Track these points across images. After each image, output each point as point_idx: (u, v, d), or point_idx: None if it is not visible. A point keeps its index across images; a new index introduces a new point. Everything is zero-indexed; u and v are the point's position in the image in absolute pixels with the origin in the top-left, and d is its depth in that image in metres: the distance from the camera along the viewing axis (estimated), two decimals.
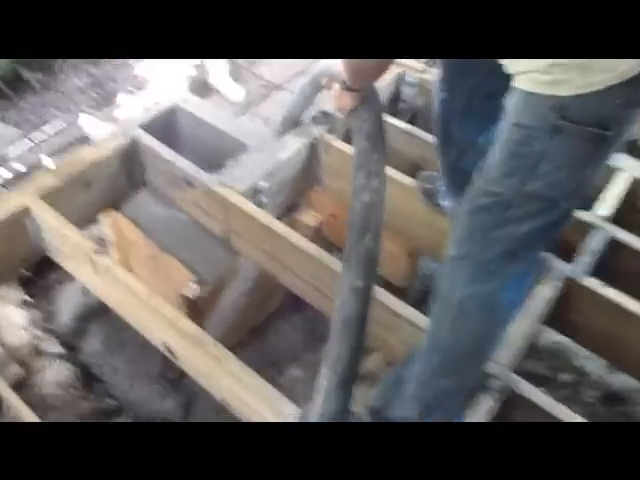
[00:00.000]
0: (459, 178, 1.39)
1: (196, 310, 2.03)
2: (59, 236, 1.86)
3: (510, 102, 1.14)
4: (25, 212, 1.89)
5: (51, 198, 1.93)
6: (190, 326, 1.61)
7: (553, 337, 2.26)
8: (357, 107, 1.48)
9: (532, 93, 1.08)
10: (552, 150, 1.10)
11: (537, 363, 2.25)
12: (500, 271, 1.24)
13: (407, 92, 2.46)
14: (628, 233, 1.88)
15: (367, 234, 1.32)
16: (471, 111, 1.54)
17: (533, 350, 2.27)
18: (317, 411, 1.36)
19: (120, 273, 1.71)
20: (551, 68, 1.03)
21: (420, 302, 2.61)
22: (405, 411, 1.41)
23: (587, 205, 1.85)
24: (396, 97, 2.50)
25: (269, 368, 2.40)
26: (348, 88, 1.45)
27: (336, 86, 1.50)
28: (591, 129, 1.06)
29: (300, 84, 2.02)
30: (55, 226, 1.83)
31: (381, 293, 1.65)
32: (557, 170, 1.12)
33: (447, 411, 1.42)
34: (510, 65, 1.11)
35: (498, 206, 1.19)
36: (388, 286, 2.62)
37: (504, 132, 1.16)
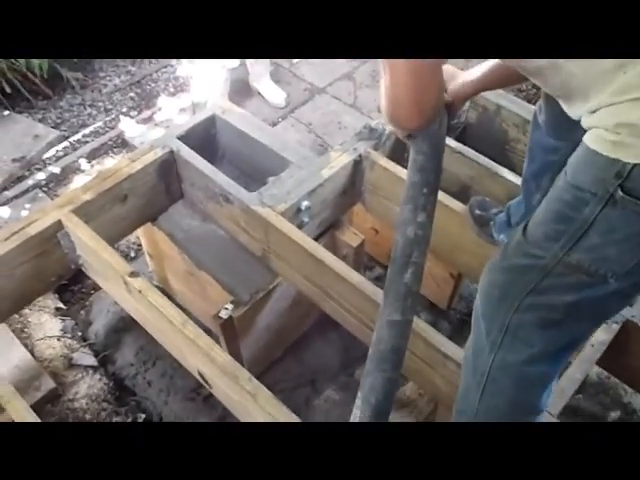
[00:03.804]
0: None
1: (231, 331, 1.96)
2: (92, 254, 1.81)
3: (573, 157, 1.01)
4: (58, 227, 1.84)
5: (85, 213, 1.88)
6: (225, 357, 1.53)
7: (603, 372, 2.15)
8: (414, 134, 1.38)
9: (595, 152, 0.94)
10: (602, 221, 0.95)
11: (586, 399, 2.13)
12: (531, 340, 1.12)
13: None
14: None
15: (408, 269, 1.23)
16: None
17: (582, 385, 2.17)
18: None
19: (154, 297, 1.64)
20: (618, 128, 0.89)
21: (461, 324, 2.54)
22: None
23: None
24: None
25: (305, 387, 2.35)
26: None
27: None
28: None
29: None
30: (88, 243, 1.77)
31: (428, 330, 1.56)
32: (606, 245, 0.97)
33: None
34: (584, 119, 0.98)
35: (536, 271, 1.06)
36: (431, 307, 2.55)
37: (558, 188, 1.03)
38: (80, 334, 2.48)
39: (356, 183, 2.09)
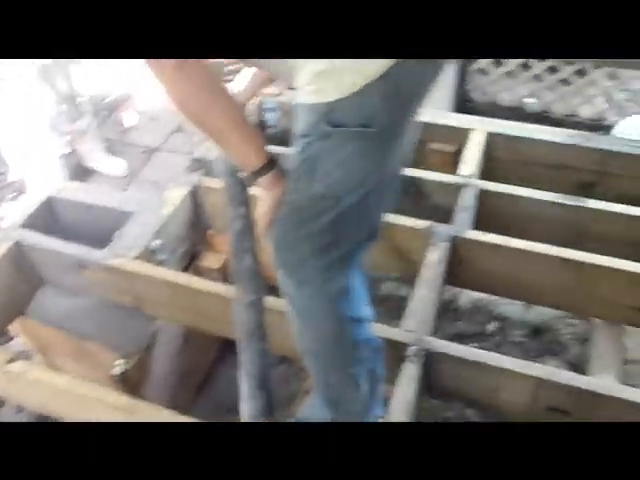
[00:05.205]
0: None
1: (130, 385, 2.02)
2: None
3: (294, 117, 1.22)
4: None
5: None
6: (122, 399, 1.61)
7: (471, 296, 2.37)
8: None
9: (305, 104, 1.15)
10: (324, 154, 1.16)
11: (463, 323, 2.35)
12: (317, 265, 1.30)
13: (271, 117, 2.52)
14: (494, 183, 2.03)
15: (245, 255, 1.45)
16: None
17: (456, 313, 2.39)
18: (246, 412, 1.50)
19: (37, 373, 1.69)
20: (314, 78, 1.10)
21: None
22: (319, 413, 1.57)
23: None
24: (262, 125, 2.56)
25: (226, 415, 2.41)
26: None
27: None
28: (353, 129, 1.12)
29: None
30: None
31: (280, 302, 1.69)
32: (332, 171, 1.18)
33: (356, 401, 1.51)
34: (295, 87, 1.19)
35: (294, 212, 1.26)
36: None
37: (294, 145, 1.23)
38: None
39: (200, 211, 2.22)
